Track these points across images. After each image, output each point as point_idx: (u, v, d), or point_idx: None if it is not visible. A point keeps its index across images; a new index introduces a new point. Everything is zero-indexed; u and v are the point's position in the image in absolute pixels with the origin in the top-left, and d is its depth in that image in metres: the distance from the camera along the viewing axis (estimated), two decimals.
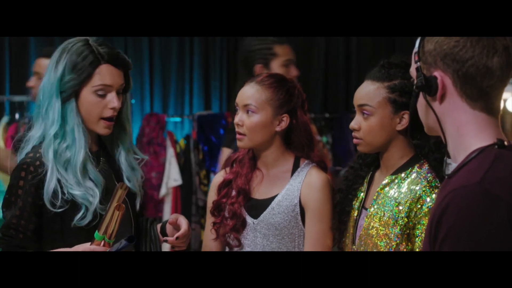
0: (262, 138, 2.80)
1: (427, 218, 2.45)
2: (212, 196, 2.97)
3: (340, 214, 2.74)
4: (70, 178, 2.49)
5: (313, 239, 2.76)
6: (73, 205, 2.49)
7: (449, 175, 1.76)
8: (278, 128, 2.80)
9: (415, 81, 1.82)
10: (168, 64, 7.10)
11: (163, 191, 6.22)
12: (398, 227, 2.51)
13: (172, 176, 6.22)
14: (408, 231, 2.51)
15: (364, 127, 2.60)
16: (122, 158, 2.68)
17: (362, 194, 2.72)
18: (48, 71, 2.55)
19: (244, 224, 2.83)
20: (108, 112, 2.54)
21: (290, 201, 2.78)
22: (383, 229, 2.55)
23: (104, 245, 2.42)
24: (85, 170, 2.53)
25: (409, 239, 2.51)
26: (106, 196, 2.55)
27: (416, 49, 1.79)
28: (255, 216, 2.81)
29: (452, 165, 1.78)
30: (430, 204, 2.48)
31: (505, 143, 1.73)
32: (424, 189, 2.52)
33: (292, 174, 2.82)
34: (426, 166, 2.58)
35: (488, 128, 1.75)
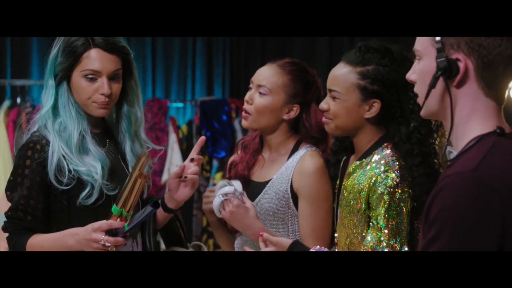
0: (267, 122, 2.76)
1: (380, 206, 2.40)
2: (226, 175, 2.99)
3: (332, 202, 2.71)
4: (73, 155, 2.47)
5: (307, 225, 2.70)
6: (79, 183, 2.47)
7: (449, 164, 1.73)
8: (285, 116, 2.76)
9: (422, 61, 1.78)
10: (171, 50, 7.10)
11: (165, 177, 6.22)
12: (361, 214, 2.46)
13: (174, 162, 6.22)
14: (368, 219, 2.46)
15: (332, 109, 2.53)
16: (127, 146, 2.64)
17: (338, 180, 2.67)
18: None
19: None
20: (99, 98, 2.50)
21: (280, 185, 2.73)
22: (351, 217, 2.50)
23: (121, 220, 2.40)
24: (85, 148, 2.51)
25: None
26: (112, 176, 2.54)
27: None
28: (252, 199, 2.78)
29: (453, 153, 1.76)
30: (382, 190, 2.41)
31: (506, 131, 1.71)
32: (380, 173, 2.44)
33: (288, 158, 2.78)
34: (388, 150, 2.50)
35: (493, 117, 1.73)
